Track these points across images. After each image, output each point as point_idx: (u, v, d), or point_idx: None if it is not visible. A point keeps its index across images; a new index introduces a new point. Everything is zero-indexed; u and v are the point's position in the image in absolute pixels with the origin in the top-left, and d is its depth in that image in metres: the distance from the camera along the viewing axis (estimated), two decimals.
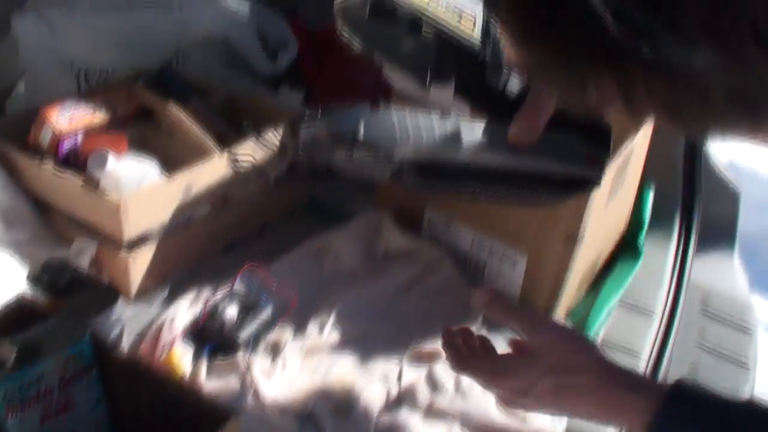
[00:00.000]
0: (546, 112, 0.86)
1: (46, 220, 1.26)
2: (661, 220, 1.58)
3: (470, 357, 0.91)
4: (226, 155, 1.29)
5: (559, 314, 1.33)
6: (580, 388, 0.81)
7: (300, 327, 1.19)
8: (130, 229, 1.18)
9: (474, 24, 0.95)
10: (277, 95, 1.64)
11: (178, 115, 1.34)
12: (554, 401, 0.83)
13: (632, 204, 1.51)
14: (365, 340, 1.18)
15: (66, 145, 1.26)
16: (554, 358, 0.83)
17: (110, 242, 1.19)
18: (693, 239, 1.59)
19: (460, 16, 0.96)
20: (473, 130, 0.96)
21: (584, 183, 0.98)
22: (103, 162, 1.18)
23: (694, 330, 1.46)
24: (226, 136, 1.39)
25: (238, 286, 1.19)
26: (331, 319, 1.21)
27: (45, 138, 1.26)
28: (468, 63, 0.95)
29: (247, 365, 1.07)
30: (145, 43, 1.46)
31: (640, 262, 1.47)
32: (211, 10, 1.58)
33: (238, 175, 1.31)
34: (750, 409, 0.76)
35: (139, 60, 1.46)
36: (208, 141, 1.31)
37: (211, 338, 1.12)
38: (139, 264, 1.21)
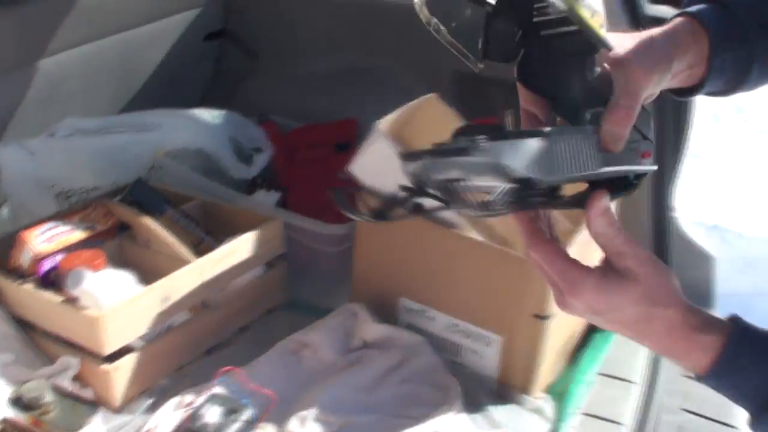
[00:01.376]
0: (638, 106, 0.76)
1: (30, 339, 1.30)
2: None
3: (554, 250, 0.77)
4: (202, 261, 1.34)
5: (538, 390, 1.35)
6: (663, 322, 0.76)
7: (282, 424, 1.21)
8: (111, 342, 1.22)
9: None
10: (253, 198, 1.69)
11: (153, 227, 1.39)
12: (632, 330, 0.78)
13: None
14: None
15: (46, 265, 1.31)
16: (645, 287, 0.76)
17: (92, 356, 1.22)
18: None
19: None
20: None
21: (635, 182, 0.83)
22: (79, 280, 1.23)
23: (678, 394, 1.48)
24: (203, 243, 1.44)
25: (219, 389, 1.22)
26: (312, 414, 1.23)
27: (25, 260, 1.31)
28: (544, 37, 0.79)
29: None
30: (122, 162, 1.52)
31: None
32: (186, 126, 1.66)
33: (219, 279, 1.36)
34: None
35: (117, 177, 1.53)
36: (183, 250, 1.36)
37: None
38: (121, 375, 1.24)
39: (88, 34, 1.69)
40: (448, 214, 1.32)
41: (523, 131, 0.75)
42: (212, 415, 1.17)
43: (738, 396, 0.76)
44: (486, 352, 1.34)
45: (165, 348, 1.31)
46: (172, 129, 1.62)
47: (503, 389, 1.35)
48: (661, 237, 1.67)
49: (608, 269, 0.77)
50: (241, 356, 1.32)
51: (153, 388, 1.29)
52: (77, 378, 1.24)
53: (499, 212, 0.74)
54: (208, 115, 1.69)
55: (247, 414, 1.19)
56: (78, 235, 1.37)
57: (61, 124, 1.54)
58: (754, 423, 0.76)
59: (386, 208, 0.79)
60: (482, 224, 1.34)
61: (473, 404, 1.30)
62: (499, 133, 0.72)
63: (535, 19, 0.77)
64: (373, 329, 1.37)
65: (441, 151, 0.73)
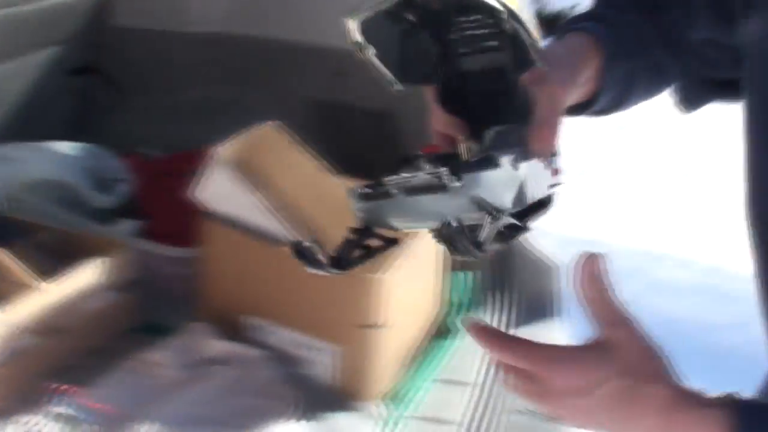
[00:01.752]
0: (561, 122, 0.74)
1: None
2: (478, 301, 1.72)
3: (519, 340, 0.71)
4: (49, 287, 1.39)
5: (377, 397, 1.43)
6: (654, 399, 0.68)
7: None
8: None
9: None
10: (112, 226, 1.74)
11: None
12: (620, 410, 0.69)
13: (441, 289, 1.65)
14: None
15: None
16: (633, 359, 0.68)
17: None
18: (510, 314, 1.73)
19: None
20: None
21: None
22: None
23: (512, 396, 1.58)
24: (55, 271, 1.49)
25: (57, 407, 1.27)
26: (154, 430, 1.29)
27: None
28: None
29: None
30: None
31: (454, 340, 1.59)
32: (42, 158, 1.70)
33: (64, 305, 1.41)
34: None
35: None
36: (28, 277, 1.41)
37: None
38: None
39: None
40: (280, 232, 1.40)
41: (483, 160, 0.68)
42: None
43: None
44: (324, 363, 1.42)
45: (9, 373, 1.35)
46: (28, 161, 1.67)
47: (342, 398, 1.42)
48: (504, 252, 1.78)
49: (588, 343, 0.70)
50: (89, 377, 1.37)
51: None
52: None
53: (489, 252, 0.69)
54: (66, 147, 1.74)
55: (85, 431, 1.24)
56: None
57: None
58: None
59: (342, 254, 0.74)
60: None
61: (313, 414, 1.38)
62: (460, 163, 0.68)
63: (452, 36, 0.73)
64: (215, 346, 1.44)
65: (408, 188, 0.68)
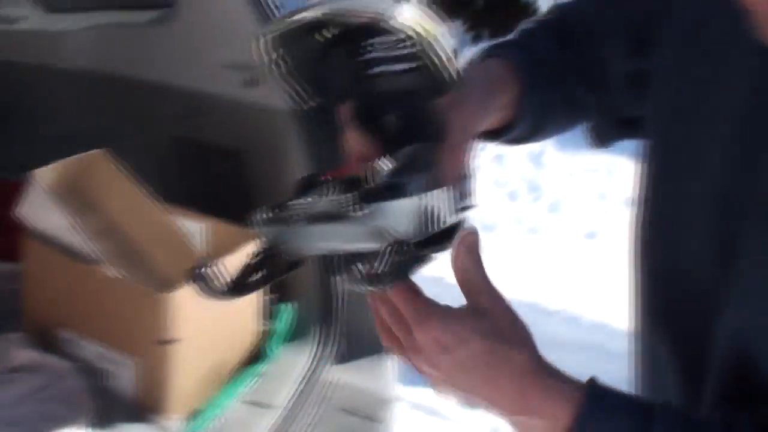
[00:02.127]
0: (472, 142, 0.76)
1: None
2: (303, 332, 1.82)
3: (408, 287, 0.70)
4: None
5: (176, 411, 1.52)
6: (513, 364, 0.69)
7: None
8: None
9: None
10: None
11: None
12: (479, 371, 0.70)
13: (257, 316, 1.74)
14: None
15: None
16: (498, 324, 0.70)
17: None
18: (334, 348, 1.83)
19: None
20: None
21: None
22: None
23: (329, 422, 1.68)
24: None
25: None
26: None
27: None
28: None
29: None
30: None
31: (266, 364, 1.69)
32: None
33: None
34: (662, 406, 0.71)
35: None
36: None
37: None
38: None
39: None
40: (92, 252, 1.51)
41: (390, 187, 0.66)
42: None
43: None
44: (125, 376, 1.51)
45: None
46: None
47: (141, 411, 1.51)
48: (327, 286, 1.88)
49: (459, 307, 0.71)
50: None
51: None
52: None
53: (388, 284, 0.68)
54: None
55: None
56: None
57: None
58: None
59: (241, 279, 0.72)
60: (126, 258, 1.54)
61: (109, 424, 1.47)
62: (367, 190, 0.66)
63: (370, 56, 0.71)
64: (25, 355, 1.53)
65: (309, 214, 0.66)
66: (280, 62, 0.71)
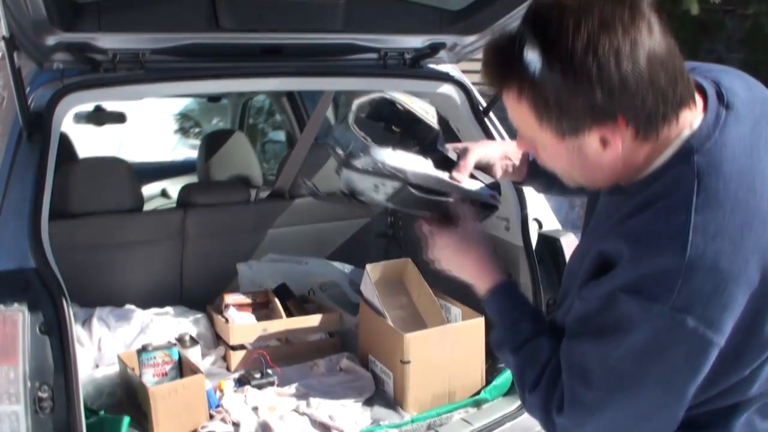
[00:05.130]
0: (470, 166, 1.67)
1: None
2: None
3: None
4: None
5: (414, 409, 2.61)
6: (471, 256, 1.57)
7: None
8: None
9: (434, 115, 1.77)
10: None
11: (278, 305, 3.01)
12: (454, 258, 1.58)
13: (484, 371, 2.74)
14: None
15: (229, 307, 3.00)
16: (467, 233, 1.59)
17: None
18: None
19: (426, 111, 1.79)
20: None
21: (490, 207, 1.74)
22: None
23: None
24: None
25: None
26: None
27: (223, 303, 3.02)
28: (427, 137, 1.72)
29: None
30: (286, 276, 3.19)
31: (480, 401, 2.68)
32: None
33: None
34: (537, 311, 1.55)
35: (278, 282, 3.19)
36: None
37: None
38: None
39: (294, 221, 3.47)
40: (384, 312, 2.72)
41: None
42: None
43: (491, 310, 1.53)
44: (389, 382, 2.67)
45: None
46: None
47: (395, 404, 2.65)
48: None
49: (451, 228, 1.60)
50: None
51: None
52: None
53: (404, 207, 1.67)
54: None
55: None
56: (246, 300, 3.04)
57: (266, 257, 3.29)
58: (492, 341, 1.53)
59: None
60: (409, 320, 2.73)
61: (379, 408, 2.64)
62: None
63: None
64: (345, 363, 2.80)
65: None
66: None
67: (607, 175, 1.32)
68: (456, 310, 2.82)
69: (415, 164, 1.59)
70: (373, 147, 1.57)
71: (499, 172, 1.75)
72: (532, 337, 1.44)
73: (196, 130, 10.96)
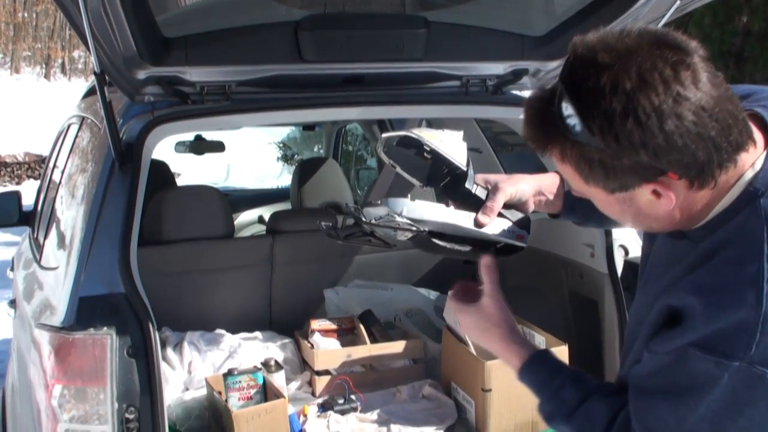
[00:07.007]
0: (498, 207, 1.62)
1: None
2: None
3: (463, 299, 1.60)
4: None
5: None
6: (494, 334, 1.52)
7: None
8: None
9: (463, 153, 1.67)
10: None
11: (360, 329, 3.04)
12: (479, 335, 1.56)
13: None
14: None
15: (315, 333, 3.04)
16: (490, 310, 1.52)
17: None
18: None
19: (455, 148, 1.69)
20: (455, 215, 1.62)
21: (515, 249, 1.70)
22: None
23: None
24: None
25: None
26: None
27: (309, 329, 3.07)
28: (454, 175, 1.64)
29: None
30: (371, 302, 3.22)
31: None
32: None
33: None
34: (577, 373, 1.44)
35: (363, 309, 3.22)
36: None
37: None
38: None
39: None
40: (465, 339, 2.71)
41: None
42: None
43: (529, 386, 1.46)
44: (471, 410, 2.65)
45: None
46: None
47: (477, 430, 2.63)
48: None
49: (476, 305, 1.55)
50: None
51: None
52: None
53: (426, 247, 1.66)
54: None
55: None
56: (332, 326, 3.08)
57: (353, 283, 3.33)
58: (542, 415, 1.43)
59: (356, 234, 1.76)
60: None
61: None
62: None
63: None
64: (428, 390, 2.79)
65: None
66: (395, 164, 1.69)
67: (664, 223, 1.28)
68: (540, 338, 2.78)
69: (434, 213, 1.61)
70: (391, 199, 1.61)
71: (531, 209, 1.70)
72: (581, 401, 1.38)
73: (298, 157, 11.21)
